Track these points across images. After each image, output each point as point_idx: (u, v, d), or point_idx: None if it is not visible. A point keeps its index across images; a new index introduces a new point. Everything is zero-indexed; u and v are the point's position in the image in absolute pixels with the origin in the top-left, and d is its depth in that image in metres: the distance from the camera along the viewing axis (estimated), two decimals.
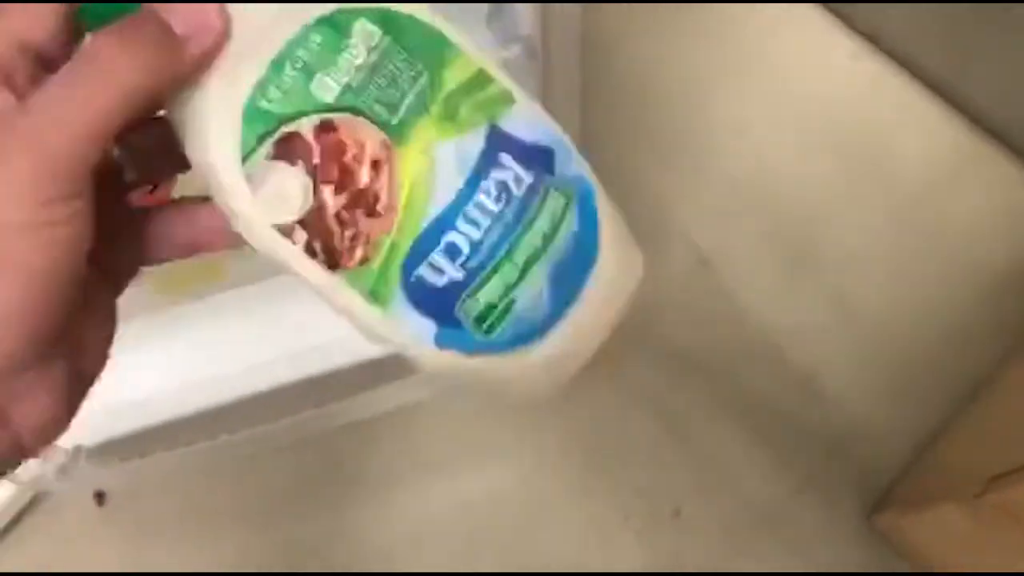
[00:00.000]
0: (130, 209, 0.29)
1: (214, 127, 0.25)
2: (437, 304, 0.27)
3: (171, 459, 0.70)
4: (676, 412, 0.79)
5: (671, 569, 0.75)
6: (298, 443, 0.77)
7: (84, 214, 0.23)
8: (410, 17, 0.26)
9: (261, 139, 0.25)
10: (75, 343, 0.26)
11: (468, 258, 0.26)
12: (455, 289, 0.27)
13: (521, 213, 0.27)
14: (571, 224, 0.28)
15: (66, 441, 0.66)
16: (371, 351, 0.68)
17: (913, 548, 0.72)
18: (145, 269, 0.29)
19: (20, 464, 0.26)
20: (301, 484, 0.77)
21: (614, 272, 0.29)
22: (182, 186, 0.30)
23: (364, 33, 0.26)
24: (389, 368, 0.68)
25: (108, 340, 0.28)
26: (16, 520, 0.75)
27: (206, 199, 0.27)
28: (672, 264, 0.85)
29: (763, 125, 0.89)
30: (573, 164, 0.29)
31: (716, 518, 0.76)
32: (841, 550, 0.75)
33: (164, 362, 0.68)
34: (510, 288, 0.27)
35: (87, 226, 0.23)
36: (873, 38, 0.90)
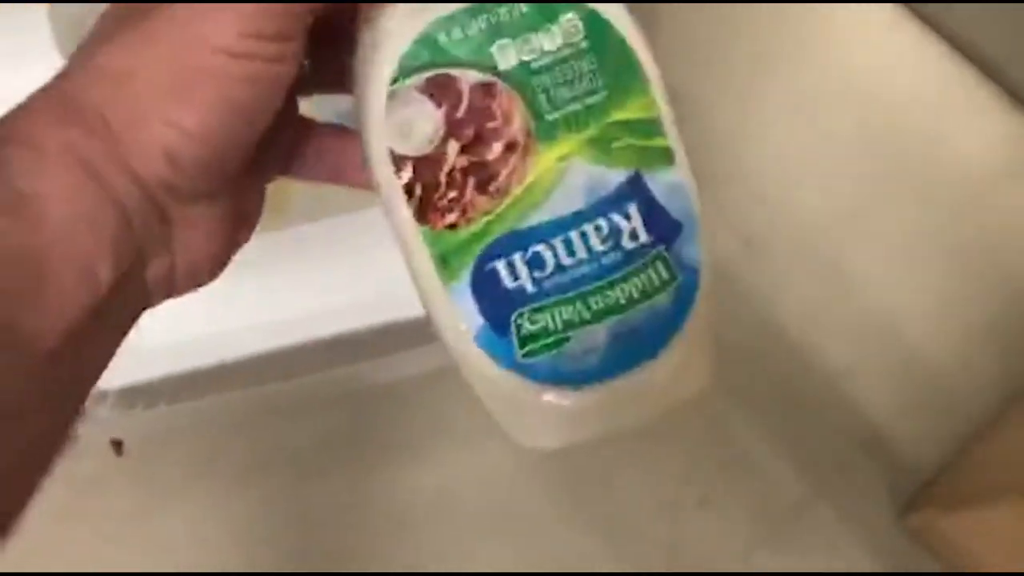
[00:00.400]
0: (298, 113, 0.29)
1: (384, 42, 0.25)
2: (496, 303, 0.26)
3: (194, 409, 0.70)
4: (707, 398, 0.76)
5: (695, 558, 0.74)
6: (325, 401, 0.77)
7: (290, 59, 0.23)
8: (620, 38, 0.26)
9: (420, 69, 0.24)
10: (241, 191, 0.26)
11: (547, 276, 0.26)
12: (519, 298, 0.26)
13: (620, 265, 0.26)
14: (661, 303, 0.27)
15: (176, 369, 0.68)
16: (409, 312, 0.67)
17: (950, 548, 0.70)
18: None
19: (166, 298, 0.26)
20: (324, 444, 0.77)
21: (673, 371, 0.27)
22: None
23: (570, 26, 0.25)
24: (424, 332, 0.67)
25: (262, 201, 0.28)
26: None
27: None
28: (717, 246, 0.82)
29: (816, 107, 0.85)
30: (694, 249, 0.27)
31: (743, 508, 0.75)
32: (869, 547, 0.74)
33: (197, 307, 0.69)
34: (571, 326, 0.26)
35: (290, 73, 0.23)
36: (935, 25, 0.85)
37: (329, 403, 0.78)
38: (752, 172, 0.86)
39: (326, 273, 0.67)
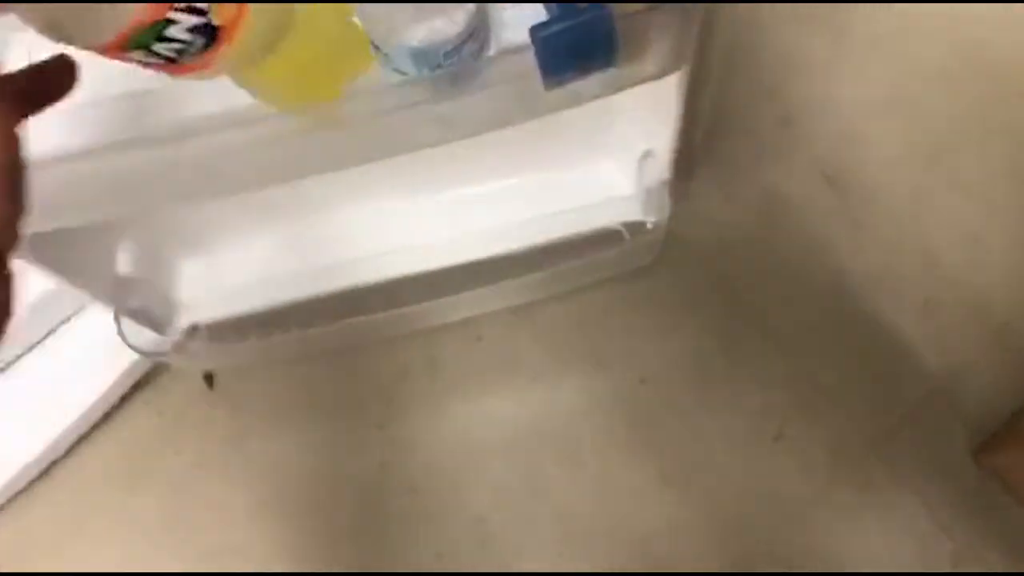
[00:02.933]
0: None
1: None
2: None
3: (279, 344, 0.72)
4: (784, 332, 0.77)
5: (768, 493, 0.74)
6: (403, 338, 0.79)
7: None
8: None
9: None
10: None
11: None
12: None
13: None
14: None
15: (187, 318, 0.69)
16: (490, 250, 0.68)
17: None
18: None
19: None
20: (402, 378, 0.79)
21: None
22: None
23: None
24: (501, 268, 0.68)
25: None
26: (127, 396, 0.78)
27: None
28: (795, 180, 0.81)
29: (905, 44, 0.83)
30: None
31: (818, 444, 0.75)
32: (943, 484, 0.73)
33: (287, 243, 0.71)
34: None
35: None
36: None
37: (407, 340, 0.79)
38: (839, 108, 0.84)
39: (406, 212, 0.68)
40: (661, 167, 0.60)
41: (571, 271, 0.67)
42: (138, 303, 0.62)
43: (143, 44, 0.31)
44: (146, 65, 0.33)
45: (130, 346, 0.62)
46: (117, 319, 0.62)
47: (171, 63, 0.33)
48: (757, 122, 0.84)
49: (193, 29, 0.31)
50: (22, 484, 0.75)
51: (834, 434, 0.75)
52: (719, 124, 0.82)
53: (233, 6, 0.32)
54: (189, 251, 0.70)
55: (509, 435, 0.77)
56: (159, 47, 0.31)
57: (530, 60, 0.38)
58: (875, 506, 0.74)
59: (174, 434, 0.79)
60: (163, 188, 0.44)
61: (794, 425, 0.76)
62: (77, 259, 0.56)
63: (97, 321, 0.71)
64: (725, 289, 0.79)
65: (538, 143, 0.66)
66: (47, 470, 0.76)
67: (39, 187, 0.28)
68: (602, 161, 0.68)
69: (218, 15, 0.32)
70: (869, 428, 0.75)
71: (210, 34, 0.32)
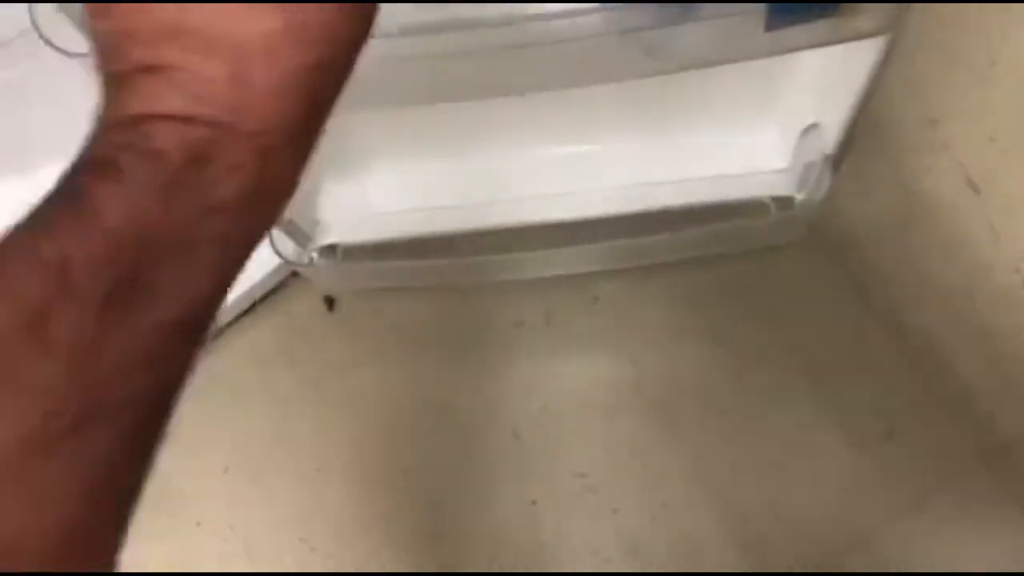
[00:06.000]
0: None
1: None
2: None
3: (408, 271, 0.73)
4: (911, 331, 0.76)
5: (873, 489, 0.73)
6: (520, 290, 0.79)
7: None
8: None
9: None
10: None
11: None
12: None
13: None
14: None
15: (324, 237, 0.70)
16: (626, 207, 0.68)
17: None
18: None
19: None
20: (512, 328, 0.79)
21: None
22: None
23: None
24: (634, 225, 0.68)
25: None
26: (248, 310, 0.79)
27: None
28: (937, 182, 0.80)
29: None
30: None
31: (930, 447, 0.74)
32: None
33: (426, 177, 0.71)
34: None
35: None
36: None
37: (525, 290, 0.80)
38: (992, 113, 0.82)
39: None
40: (825, 142, 0.60)
41: (710, 236, 0.67)
42: (290, 214, 0.64)
43: None
44: None
45: (279, 255, 0.64)
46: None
47: None
48: (904, 118, 0.83)
49: None
50: None
51: (945, 441, 0.74)
52: (864, 115, 0.81)
53: None
54: (335, 171, 0.71)
55: (615, 396, 0.77)
56: None
57: None
58: (977, 517, 0.72)
59: (288, 352, 0.80)
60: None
61: (905, 427, 0.75)
62: None
63: None
64: (855, 283, 0.78)
65: (696, 103, 0.66)
66: None
67: None
68: (760, 129, 0.68)
69: None
70: (984, 440, 0.74)
71: None
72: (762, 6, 0.39)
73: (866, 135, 0.82)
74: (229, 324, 0.79)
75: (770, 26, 0.40)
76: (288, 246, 0.66)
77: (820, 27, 0.41)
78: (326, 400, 0.79)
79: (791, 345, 0.77)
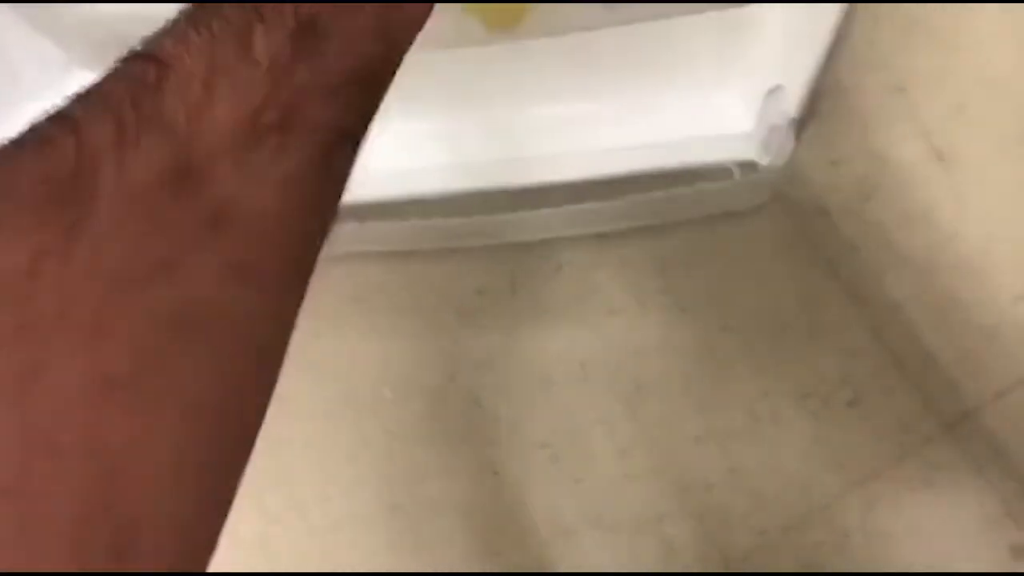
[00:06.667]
0: None
1: None
2: None
3: (362, 239, 0.72)
4: (876, 300, 0.76)
5: (836, 456, 0.73)
6: (483, 257, 0.78)
7: None
8: None
9: None
10: None
11: None
12: None
13: None
14: None
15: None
16: (586, 172, 0.67)
17: None
18: None
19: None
20: (479, 294, 0.78)
21: None
22: None
23: None
24: (592, 190, 0.67)
25: None
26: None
27: None
28: (902, 150, 0.79)
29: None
30: None
31: (893, 417, 0.74)
32: (1021, 473, 0.72)
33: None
34: None
35: None
36: None
37: (488, 257, 0.79)
38: (957, 81, 0.82)
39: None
40: (789, 104, 0.59)
41: (674, 200, 0.66)
42: None
43: None
44: None
45: None
46: None
47: None
48: (871, 86, 0.82)
49: None
50: None
51: (909, 409, 0.74)
52: (829, 83, 0.80)
53: None
54: None
55: (578, 366, 0.76)
56: None
57: None
58: (938, 485, 0.73)
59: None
60: None
61: (868, 395, 0.75)
62: None
63: None
64: (821, 251, 0.78)
65: (658, 65, 0.64)
66: None
67: None
68: (723, 92, 0.67)
69: None
70: (948, 408, 0.74)
71: None
72: None
73: (833, 103, 0.82)
74: None
75: None
76: None
77: None
78: (285, 372, 0.77)
79: (755, 313, 0.77)
